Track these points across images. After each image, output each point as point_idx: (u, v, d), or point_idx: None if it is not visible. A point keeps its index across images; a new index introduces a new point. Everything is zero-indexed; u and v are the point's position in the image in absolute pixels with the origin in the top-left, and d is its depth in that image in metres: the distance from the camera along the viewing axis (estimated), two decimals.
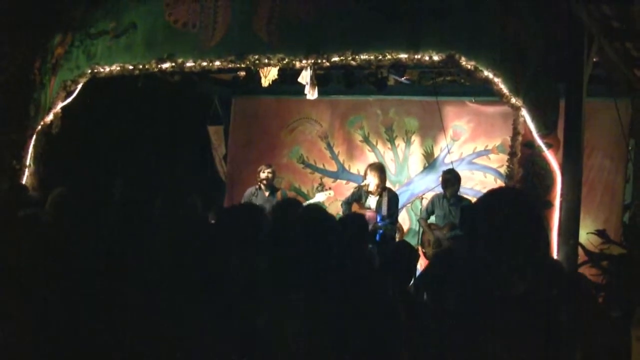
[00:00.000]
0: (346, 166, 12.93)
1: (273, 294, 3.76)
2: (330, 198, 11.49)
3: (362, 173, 11.00)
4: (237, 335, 3.70)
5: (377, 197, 10.06)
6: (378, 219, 9.81)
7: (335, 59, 8.03)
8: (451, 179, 10.30)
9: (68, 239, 4.24)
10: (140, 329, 3.89)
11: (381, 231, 9.65)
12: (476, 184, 11.64)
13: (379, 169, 10.23)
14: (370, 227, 9.19)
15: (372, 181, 10.03)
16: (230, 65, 8.69)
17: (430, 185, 11.94)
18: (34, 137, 9.80)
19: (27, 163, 9.74)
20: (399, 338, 3.97)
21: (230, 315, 3.70)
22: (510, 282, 2.72)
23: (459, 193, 10.36)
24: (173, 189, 4.95)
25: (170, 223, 4.72)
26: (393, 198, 10.12)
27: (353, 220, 6.16)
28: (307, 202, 10.94)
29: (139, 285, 4.02)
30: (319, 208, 5.01)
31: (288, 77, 9.30)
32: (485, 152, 11.86)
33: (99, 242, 4.27)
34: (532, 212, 2.95)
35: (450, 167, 10.98)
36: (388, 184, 10.61)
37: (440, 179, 10.63)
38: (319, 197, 11.23)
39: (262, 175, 10.95)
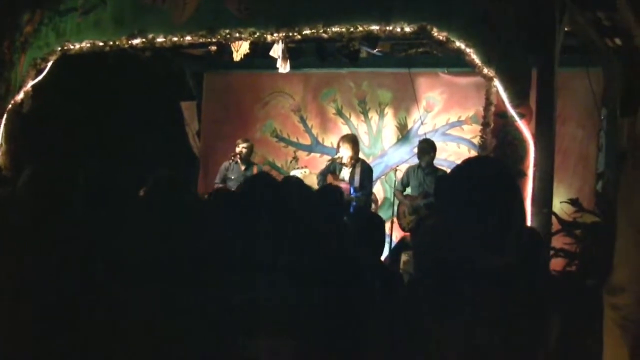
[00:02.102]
0: (320, 139, 12.91)
1: (248, 268, 3.76)
2: (307, 176, 11.48)
3: (335, 146, 11.01)
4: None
5: (350, 169, 10.09)
6: (351, 191, 9.84)
7: (307, 32, 8.02)
8: (426, 147, 10.35)
9: (40, 218, 4.19)
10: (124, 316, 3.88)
11: (354, 203, 9.69)
12: (450, 154, 11.67)
13: (352, 140, 10.27)
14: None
15: (345, 153, 10.07)
16: (201, 40, 8.65)
17: (404, 157, 11.95)
18: (5, 116, 9.71)
19: None
20: (374, 308, 3.99)
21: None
22: (487, 251, 2.73)
23: (434, 163, 10.40)
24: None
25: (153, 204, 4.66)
26: (366, 169, 10.16)
27: (330, 192, 6.19)
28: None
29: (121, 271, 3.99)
30: (297, 180, 5.02)
31: (260, 51, 9.26)
32: (459, 123, 11.88)
33: (71, 222, 4.23)
34: (509, 181, 2.96)
35: (425, 137, 11.00)
36: (362, 156, 10.64)
37: (416, 148, 10.67)
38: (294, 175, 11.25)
39: (237, 149, 10.97)
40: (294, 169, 11.61)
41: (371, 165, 10.74)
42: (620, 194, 2.92)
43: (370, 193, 10.43)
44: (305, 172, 11.29)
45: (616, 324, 2.86)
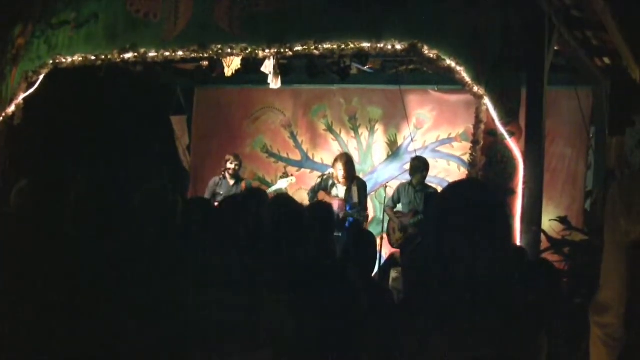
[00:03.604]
0: (310, 155, 12.93)
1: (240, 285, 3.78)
2: (293, 185, 11.52)
3: (326, 162, 11.06)
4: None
5: (346, 187, 10.09)
6: (347, 208, 9.85)
7: (298, 48, 8.03)
8: (419, 165, 10.34)
9: (34, 230, 4.18)
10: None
11: (351, 218, 9.70)
12: (440, 172, 11.71)
13: (347, 160, 10.26)
14: (341, 215, 9.31)
15: (340, 173, 10.05)
16: (193, 56, 8.65)
17: (394, 174, 11.96)
18: None
19: None
20: (363, 324, 4.00)
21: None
22: (475, 268, 2.75)
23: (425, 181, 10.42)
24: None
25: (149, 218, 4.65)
26: (362, 186, 10.19)
27: (320, 209, 6.22)
28: (270, 189, 10.97)
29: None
30: (288, 197, 5.04)
31: (251, 66, 9.27)
32: (449, 140, 11.93)
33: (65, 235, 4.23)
34: (497, 202, 2.98)
35: (416, 154, 11.00)
36: None
37: (409, 165, 10.67)
38: (281, 184, 11.28)
39: (229, 165, 10.93)
40: (281, 178, 11.66)
41: None
42: (606, 213, 2.95)
43: (366, 208, 10.43)
44: (291, 180, 11.35)
45: (602, 341, 2.88)
